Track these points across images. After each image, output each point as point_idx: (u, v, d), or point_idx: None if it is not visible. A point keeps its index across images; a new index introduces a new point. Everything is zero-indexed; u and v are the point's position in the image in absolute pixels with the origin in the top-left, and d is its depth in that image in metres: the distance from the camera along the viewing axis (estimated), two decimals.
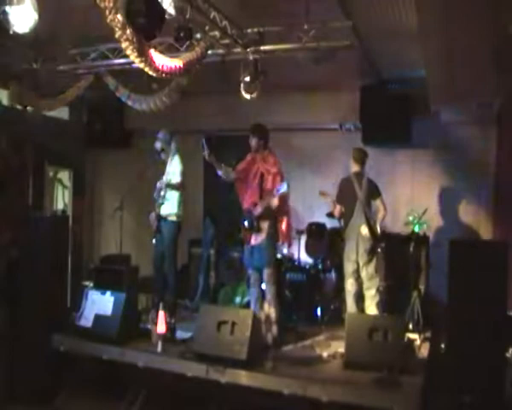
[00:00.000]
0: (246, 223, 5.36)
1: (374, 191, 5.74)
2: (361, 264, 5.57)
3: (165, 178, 6.04)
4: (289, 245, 5.91)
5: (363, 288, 5.63)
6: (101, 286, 5.62)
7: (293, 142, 7.87)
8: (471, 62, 5.03)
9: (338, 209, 5.74)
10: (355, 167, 5.84)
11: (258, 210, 5.25)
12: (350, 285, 5.63)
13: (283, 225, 5.41)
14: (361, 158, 5.84)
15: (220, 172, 5.44)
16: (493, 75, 5.24)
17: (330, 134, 7.80)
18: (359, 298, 5.64)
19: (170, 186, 5.97)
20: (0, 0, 4.02)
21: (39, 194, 7.95)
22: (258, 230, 5.27)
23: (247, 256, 5.43)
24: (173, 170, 6.04)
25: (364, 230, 5.54)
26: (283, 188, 5.07)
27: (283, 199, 5.31)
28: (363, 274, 5.59)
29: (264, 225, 5.27)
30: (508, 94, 5.95)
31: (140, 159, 7.35)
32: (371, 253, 5.60)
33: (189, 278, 7.57)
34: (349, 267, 5.65)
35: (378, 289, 5.67)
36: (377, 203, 5.75)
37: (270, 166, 5.39)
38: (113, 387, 5.04)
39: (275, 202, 5.18)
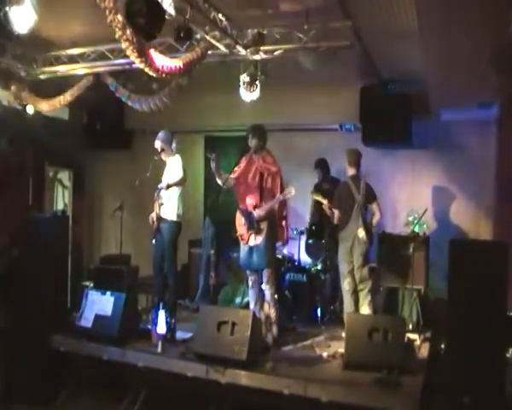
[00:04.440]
0: (244, 221, 5.35)
1: (370, 195, 5.78)
2: (356, 266, 5.61)
3: (165, 180, 6.03)
4: (286, 243, 5.87)
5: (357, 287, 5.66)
6: (101, 286, 5.61)
7: (292, 142, 7.86)
8: (471, 63, 5.03)
9: (337, 215, 5.74)
10: (351, 171, 5.85)
11: (261, 213, 5.25)
12: (347, 284, 5.66)
13: (282, 225, 5.45)
14: (356, 160, 5.86)
15: (220, 182, 5.45)
16: (493, 75, 5.23)
17: (330, 134, 7.80)
18: (357, 297, 5.66)
19: (172, 185, 5.95)
20: (0, 0, 4.03)
21: (39, 194, 7.95)
22: (259, 231, 5.27)
23: (245, 257, 5.40)
24: (174, 170, 6.03)
25: (361, 233, 5.57)
26: (290, 194, 5.10)
27: (284, 202, 5.35)
28: (357, 276, 5.63)
29: (264, 225, 5.28)
30: (508, 94, 5.95)
31: (140, 159, 7.35)
32: (366, 256, 5.64)
33: (188, 278, 7.57)
34: (345, 268, 5.68)
35: (370, 290, 5.67)
36: (373, 207, 5.78)
37: (269, 166, 5.39)
38: (113, 387, 5.03)
39: (277, 205, 5.23)
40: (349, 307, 5.61)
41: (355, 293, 5.65)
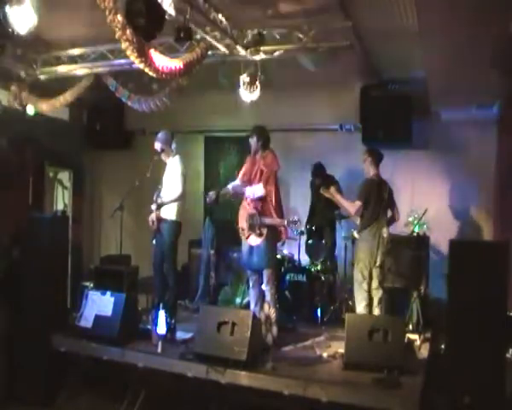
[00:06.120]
0: (247, 219, 5.35)
1: (393, 199, 5.74)
2: (378, 263, 5.46)
3: (165, 181, 6.02)
4: (286, 238, 5.79)
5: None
6: (102, 287, 5.61)
7: (293, 142, 7.86)
8: (471, 63, 5.02)
9: (358, 207, 5.50)
10: (375, 170, 5.68)
11: (266, 222, 5.27)
12: (366, 285, 5.48)
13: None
14: (380, 161, 5.72)
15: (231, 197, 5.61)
16: (494, 76, 5.23)
17: (330, 135, 7.80)
18: (371, 298, 5.56)
19: (169, 202, 5.92)
20: (0, 0, 4.02)
21: (39, 194, 7.94)
22: (260, 234, 5.28)
23: (246, 256, 5.42)
24: (173, 173, 5.99)
25: (386, 233, 5.48)
26: (297, 227, 5.08)
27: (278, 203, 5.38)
28: (377, 274, 5.48)
29: (265, 230, 5.29)
30: (508, 95, 5.95)
31: (140, 159, 7.35)
32: (387, 255, 5.57)
33: (189, 278, 7.56)
34: (364, 270, 5.48)
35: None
36: (394, 209, 5.74)
37: (267, 166, 5.42)
38: (113, 387, 5.03)
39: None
40: (363, 309, 5.44)
41: (369, 295, 5.52)
